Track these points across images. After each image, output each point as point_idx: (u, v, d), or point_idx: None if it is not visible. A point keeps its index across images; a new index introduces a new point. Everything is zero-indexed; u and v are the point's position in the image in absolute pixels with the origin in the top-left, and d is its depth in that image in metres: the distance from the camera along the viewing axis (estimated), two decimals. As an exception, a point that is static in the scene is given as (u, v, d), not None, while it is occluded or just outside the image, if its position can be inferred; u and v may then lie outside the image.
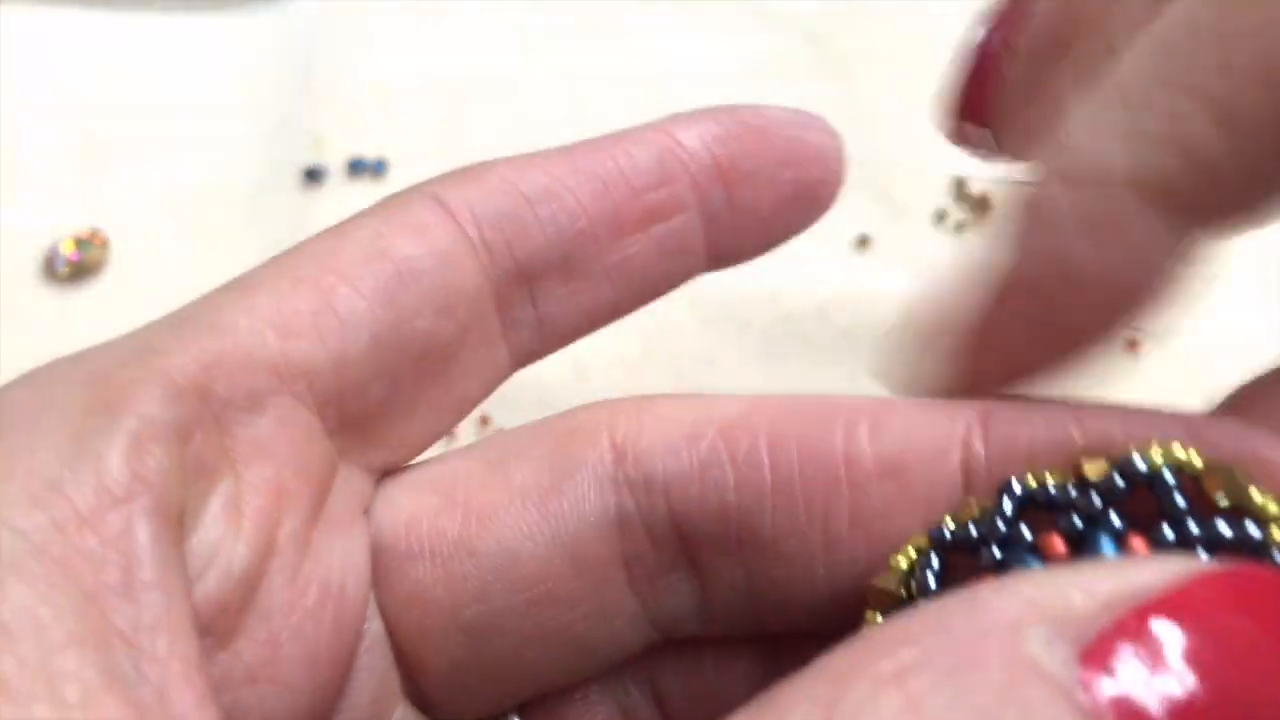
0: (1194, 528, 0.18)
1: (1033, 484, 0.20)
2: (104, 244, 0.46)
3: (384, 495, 0.23)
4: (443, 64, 0.53)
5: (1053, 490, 0.20)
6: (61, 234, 0.46)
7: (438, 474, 0.23)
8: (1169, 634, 0.14)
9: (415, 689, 0.23)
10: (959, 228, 0.49)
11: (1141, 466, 0.19)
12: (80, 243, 0.46)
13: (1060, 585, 0.15)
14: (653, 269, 0.25)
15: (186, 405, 0.19)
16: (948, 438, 0.21)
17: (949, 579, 0.20)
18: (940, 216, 0.49)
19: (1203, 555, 0.18)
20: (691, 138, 0.25)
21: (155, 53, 0.53)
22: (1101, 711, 0.14)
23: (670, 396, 0.24)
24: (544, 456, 0.23)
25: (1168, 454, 0.19)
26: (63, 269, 0.45)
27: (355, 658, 0.22)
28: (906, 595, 0.20)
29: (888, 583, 0.20)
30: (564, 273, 0.24)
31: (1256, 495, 0.18)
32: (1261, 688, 0.14)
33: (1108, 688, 0.14)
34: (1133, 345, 0.45)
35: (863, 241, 0.48)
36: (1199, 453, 0.19)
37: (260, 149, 0.50)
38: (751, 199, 0.25)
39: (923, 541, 0.20)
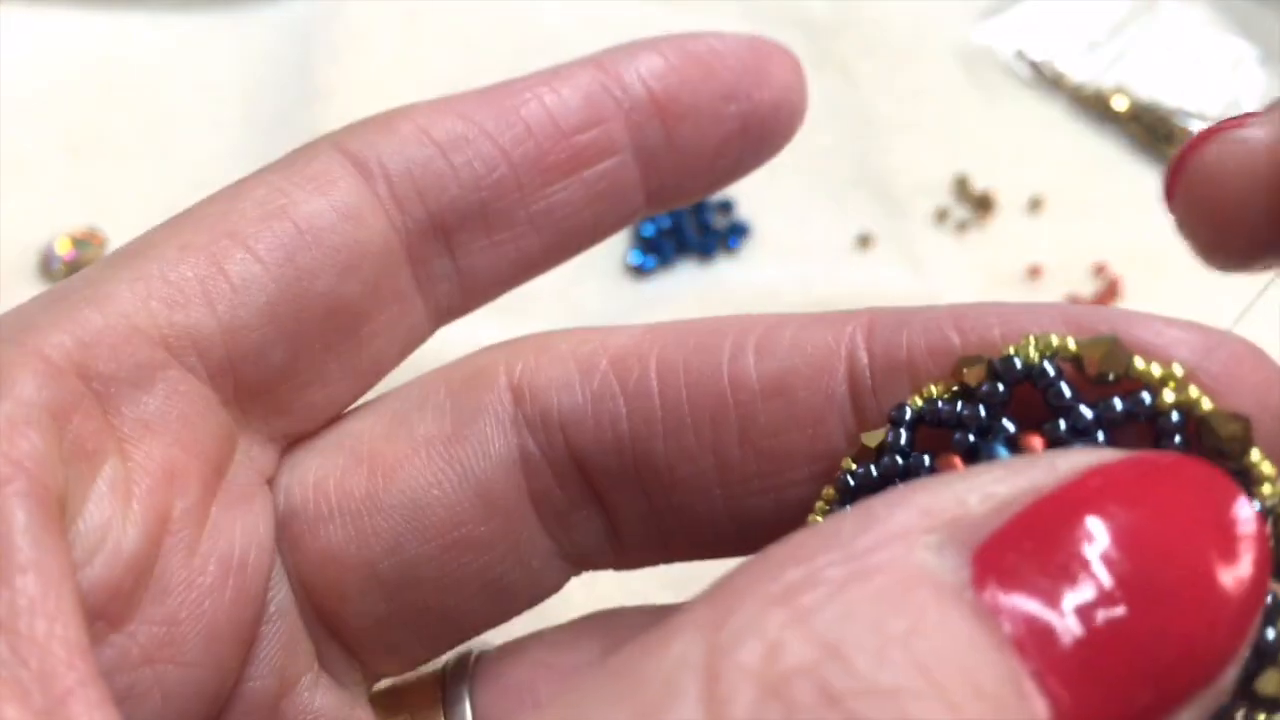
0: (1086, 411, 0.18)
1: (919, 403, 0.20)
2: (101, 243, 0.46)
3: (290, 461, 0.23)
4: (442, 64, 0.53)
5: (940, 407, 0.19)
6: (58, 233, 0.46)
7: (342, 434, 0.23)
8: (1065, 527, 0.14)
9: (343, 649, 0.23)
10: (960, 226, 0.49)
11: (1018, 364, 0.19)
12: (78, 242, 0.45)
13: (955, 491, 0.15)
14: (583, 215, 0.23)
15: (63, 386, 0.19)
16: (832, 352, 0.21)
17: None
18: (942, 215, 0.49)
19: (1100, 436, 0.18)
20: (628, 72, 0.23)
21: (154, 52, 0.53)
22: (997, 609, 0.13)
23: (567, 333, 0.23)
24: (444, 404, 0.23)
25: (1043, 344, 0.19)
26: (58, 268, 0.45)
27: (258, 629, 0.22)
28: None
29: None
30: (483, 223, 0.23)
31: (1139, 363, 0.18)
32: (1159, 573, 0.14)
33: (1002, 586, 0.13)
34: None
35: (864, 240, 0.48)
36: (1074, 337, 0.19)
37: (259, 149, 0.49)
38: (693, 136, 0.24)
39: (831, 492, 0.20)
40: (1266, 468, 0.17)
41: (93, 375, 0.19)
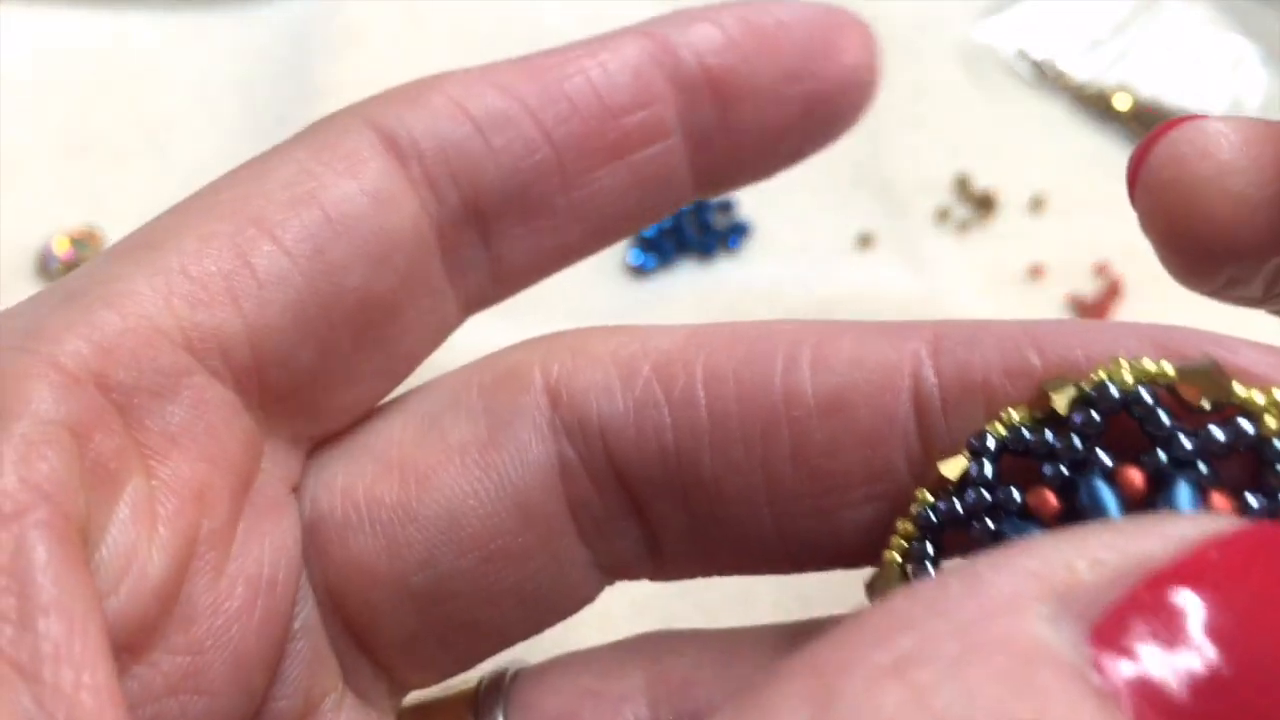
0: (1187, 442, 0.17)
1: (1002, 431, 0.18)
2: (99, 242, 0.46)
3: (316, 465, 0.21)
4: (441, 63, 0.52)
5: (1028, 436, 0.18)
6: (55, 233, 0.45)
7: (370, 437, 0.21)
8: (1185, 605, 0.13)
9: (370, 663, 0.22)
10: (962, 226, 0.49)
11: (1114, 391, 0.18)
12: (75, 241, 0.45)
13: (1063, 554, 0.14)
14: (628, 202, 0.22)
15: (83, 399, 0.17)
16: (894, 368, 0.19)
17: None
18: (943, 215, 0.49)
19: (1201, 468, 0.17)
20: (682, 45, 0.21)
21: (151, 51, 0.52)
22: (1119, 693, 0.13)
23: (604, 330, 0.21)
24: (478, 406, 0.21)
25: (1138, 370, 0.18)
26: (56, 268, 0.45)
27: (285, 649, 0.20)
28: None
29: (886, 583, 0.19)
30: (522, 209, 0.21)
31: (1240, 390, 0.17)
32: (1279, 655, 0.13)
33: (1124, 668, 0.13)
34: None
35: (865, 240, 0.48)
36: (1169, 362, 0.18)
37: (257, 147, 0.49)
38: (751, 120, 0.21)
39: (910, 528, 0.19)
40: None
41: (113, 385, 0.18)
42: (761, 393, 0.20)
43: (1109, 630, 0.13)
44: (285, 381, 0.20)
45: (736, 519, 0.21)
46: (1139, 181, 0.21)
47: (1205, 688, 0.13)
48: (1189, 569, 0.13)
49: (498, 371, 0.21)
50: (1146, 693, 0.13)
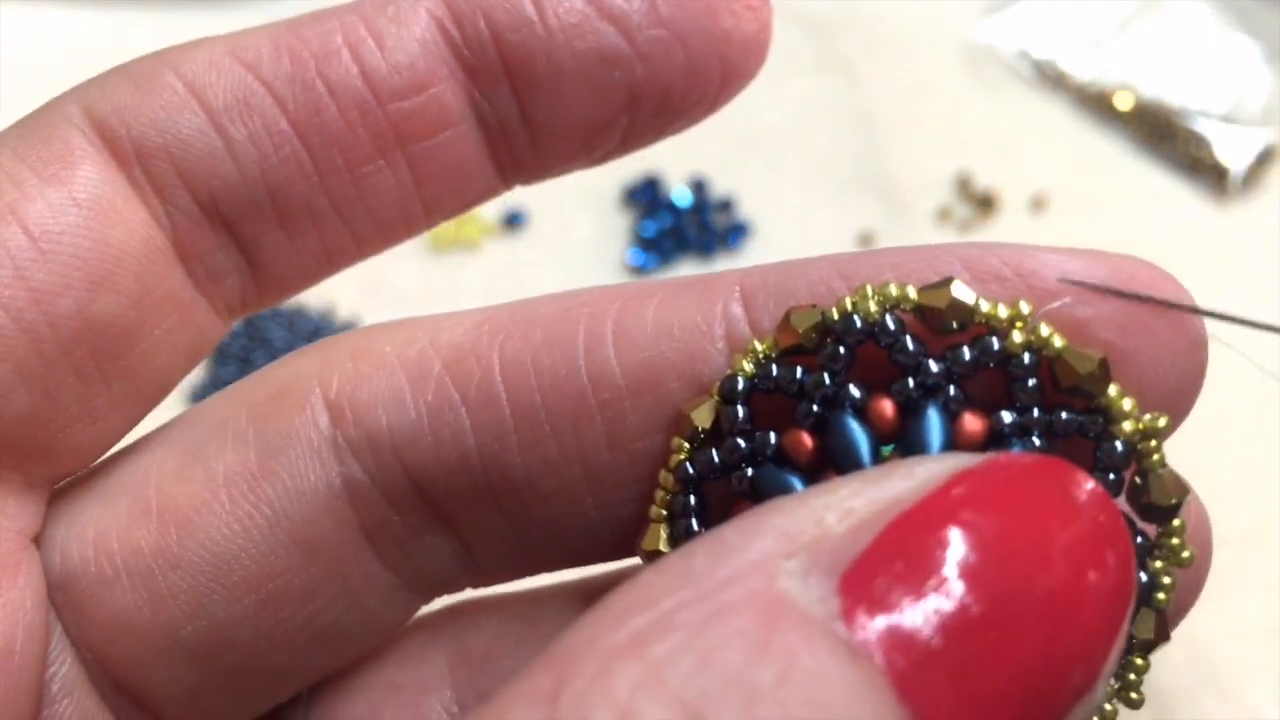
0: (934, 365, 0.17)
1: (749, 369, 0.17)
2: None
3: (64, 510, 0.19)
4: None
5: (776, 372, 0.17)
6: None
7: (124, 474, 0.19)
8: (931, 544, 0.13)
9: (153, 716, 0.19)
10: (963, 225, 0.49)
11: (858, 321, 0.17)
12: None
13: (813, 508, 0.13)
14: (408, 200, 0.19)
15: None
16: (703, 332, 0.18)
17: (714, 515, 0.18)
18: (944, 214, 0.49)
19: (951, 390, 0.17)
20: (478, 14, 0.18)
21: (151, 49, 0.52)
22: (869, 644, 0.12)
23: (390, 326, 0.19)
24: (247, 432, 0.19)
25: (882, 295, 0.17)
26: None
27: (38, 715, 0.18)
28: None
29: (653, 543, 0.18)
30: (273, 212, 0.18)
31: (985, 306, 0.17)
32: (1031, 582, 0.13)
33: (873, 615, 0.12)
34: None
35: (865, 239, 0.48)
36: (915, 285, 0.17)
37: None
38: (556, 110, 0.18)
39: (670, 479, 0.18)
40: (1126, 404, 0.16)
41: None
42: (566, 379, 0.18)
43: (857, 579, 0.13)
44: (2, 428, 0.18)
45: (559, 517, 0.19)
46: None
47: (957, 625, 0.12)
48: (935, 507, 0.13)
49: (271, 389, 0.19)
50: (896, 638, 0.12)
